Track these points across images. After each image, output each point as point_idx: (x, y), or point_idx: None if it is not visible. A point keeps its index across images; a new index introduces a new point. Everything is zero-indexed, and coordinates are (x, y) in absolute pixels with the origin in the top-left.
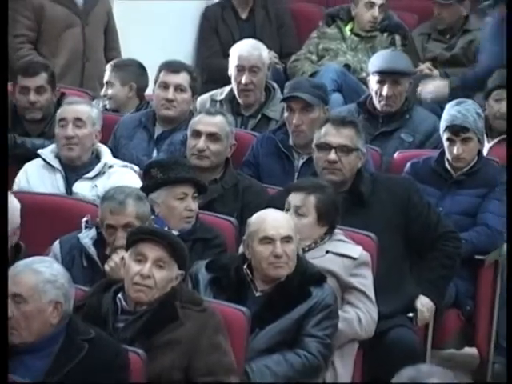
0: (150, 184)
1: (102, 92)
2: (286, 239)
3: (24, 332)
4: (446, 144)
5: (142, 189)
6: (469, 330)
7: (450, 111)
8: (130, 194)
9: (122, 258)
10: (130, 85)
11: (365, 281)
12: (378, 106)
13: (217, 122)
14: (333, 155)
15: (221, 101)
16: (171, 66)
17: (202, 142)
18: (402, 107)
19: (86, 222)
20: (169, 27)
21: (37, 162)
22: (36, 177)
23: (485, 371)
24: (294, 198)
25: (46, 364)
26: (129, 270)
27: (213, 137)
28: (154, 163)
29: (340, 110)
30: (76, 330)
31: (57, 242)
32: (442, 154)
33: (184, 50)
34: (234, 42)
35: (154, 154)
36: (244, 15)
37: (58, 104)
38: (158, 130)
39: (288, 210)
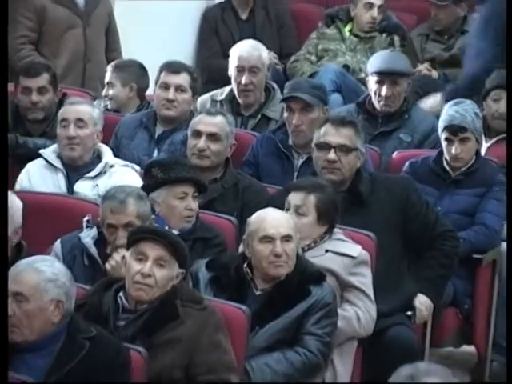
0: (151, 183)
1: (103, 92)
2: (286, 238)
3: (26, 330)
4: (444, 144)
5: (143, 188)
6: (467, 328)
7: (449, 111)
8: (131, 193)
9: (123, 257)
10: (131, 85)
11: (364, 279)
12: (376, 106)
13: (217, 122)
14: (332, 155)
15: (221, 101)
16: (172, 67)
17: (202, 142)
18: (400, 107)
19: (87, 221)
20: (169, 28)
21: (39, 161)
22: (38, 176)
23: (483, 369)
24: (294, 198)
25: (48, 362)
26: (130, 268)
27: (213, 137)
28: (155, 163)
29: (339, 111)
30: (77, 329)
31: (58, 241)
32: (441, 153)
33: (184, 50)
34: (234, 42)
35: (155, 153)
36: (244, 16)
37: (60, 104)
38: (159, 130)
39: (288, 209)
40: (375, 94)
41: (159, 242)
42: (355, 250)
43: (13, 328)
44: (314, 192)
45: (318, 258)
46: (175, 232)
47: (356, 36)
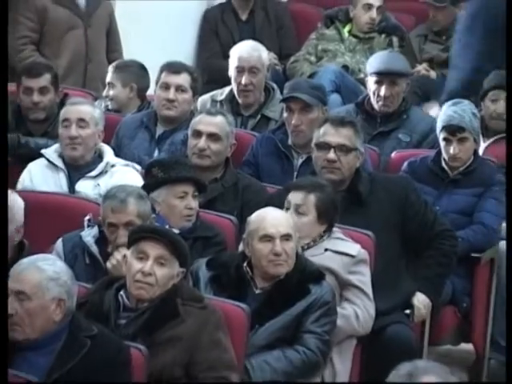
0: (151, 183)
1: (104, 93)
2: (286, 237)
3: (27, 328)
4: (442, 144)
5: (143, 187)
6: (465, 326)
7: (447, 111)
8: (132, 192)
9: (124, 256)
10: (131, 86)
11: (363, 278)
12: (375, 106)
13: (217, 122)
14: (332, 154)
15: (221, 101)
16: (172, 67)
17: (202, 142)
18: (399, 107)
19: (89, 220)
20: (169, 28)
21: (40, 161)
22: (39, 176)
23: (481, 367)
24: (294, 197)
25: (49, 361)
26: (130, 267)
27: (213, 137)
28: (155, 162)
29: (338, 111)
30: (79, 327)
31: (60, 240)
32: (439, 153)
33: (184, 50)
34: (234, 43)
35: (156, 153)
36: (244, 17)
37: (61, 104)
38: (160, 130)
39: (288, 208)
40: (374, 94)
41: (160, 241)
42: (354, 248)
43: (15, 326)
44: (314, 191)
45: (318, 256)
46: (175, 231)
47: (355, 37)
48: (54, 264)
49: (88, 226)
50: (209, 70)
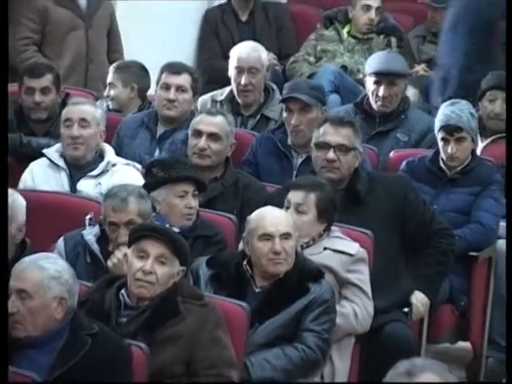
0: (152, 182)
1: (105, 93)
2: (285, 236)
3: (29, 326)
4: (440, 143)
5: (144, 187)
6: (463, 324)
7: (445, 111)
8: (132, 191)
9: (125, 255)
10: (132, 86)
11: (361, 276)
12: (374, 106)
13: (217, 122)
14: (331, 154)
15: (221, 101)
16: (173, 68)
17: (202, 142)
18: (397, 107)
19: (90, 219)
20: (170, 29)
21: (42, 161)
22: (41, 175)
23: (478, 365)
24: (295, 196)
25: (51, 359)
26: (131, 266)
27: (213, 136)
28: (156, 162)
29: (337, 111)
30: (80, 325)
31: (61, 238)
32: (437, 153)
33: (185, 51)
34: (234, 43)
35: (156, 152)
36: (244, 18)
37: (63, 104)
38: (160, 130)
39: (288, 207)
40: (373, 94)
41: (160, 240)
42: (353, 247)
43: (16, 324)
44: (314, 190)
45: (317, 255)
46: (176, 230)
47: (354, 37)
48: (55, 263)
49: (89, 224)
50: (209, 70)
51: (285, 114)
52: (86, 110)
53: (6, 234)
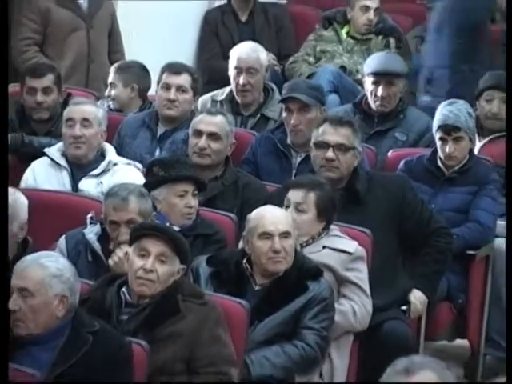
0: (152, 181)
1: (106, 93)
2: (285, 235)
3: (31, 324)
4: (438, 143)
5: (145, 186)
6: (460, 322)
7: (443, 111)
8: (133, 190)
9: (126, 253)
10: (132, 86)
11: (360, 275)
12: (373, 106)
13: (217, 122)
14: (330, 153)
15: (221, 101)
16: (173, 68)
17: (203, 141)
18: (396, 107)
19: (91, 217)
20: (170, 30)
21: (44, 160)
22: (43, 174)
23: (476, 363)
24: (294, 195)
25: (52, 356)
26: (132, 264)
27: (213, 136)
28: (156, 161)
29: (336, 110)
30: (81, 323)
31: (63, 237)
32: (435, 152)
33: (185, 51)
34: (234, 44)
35: (157, 152)
36: (244, 18)
37: (65, 104)
38: (161, 130)
39: (288, 206)
40: (371, 94)
41: (161, 239)
42: (352, 246)
43: (18, 322)
44: (314, 189)
45: (316, 254)
46: (176, 228)
47: (353, 38)
48: (57, 261)
49: (90, 223)
50: (209, 70)
51: (284, 114)
52: (88, 110)
53: (7, 232)
